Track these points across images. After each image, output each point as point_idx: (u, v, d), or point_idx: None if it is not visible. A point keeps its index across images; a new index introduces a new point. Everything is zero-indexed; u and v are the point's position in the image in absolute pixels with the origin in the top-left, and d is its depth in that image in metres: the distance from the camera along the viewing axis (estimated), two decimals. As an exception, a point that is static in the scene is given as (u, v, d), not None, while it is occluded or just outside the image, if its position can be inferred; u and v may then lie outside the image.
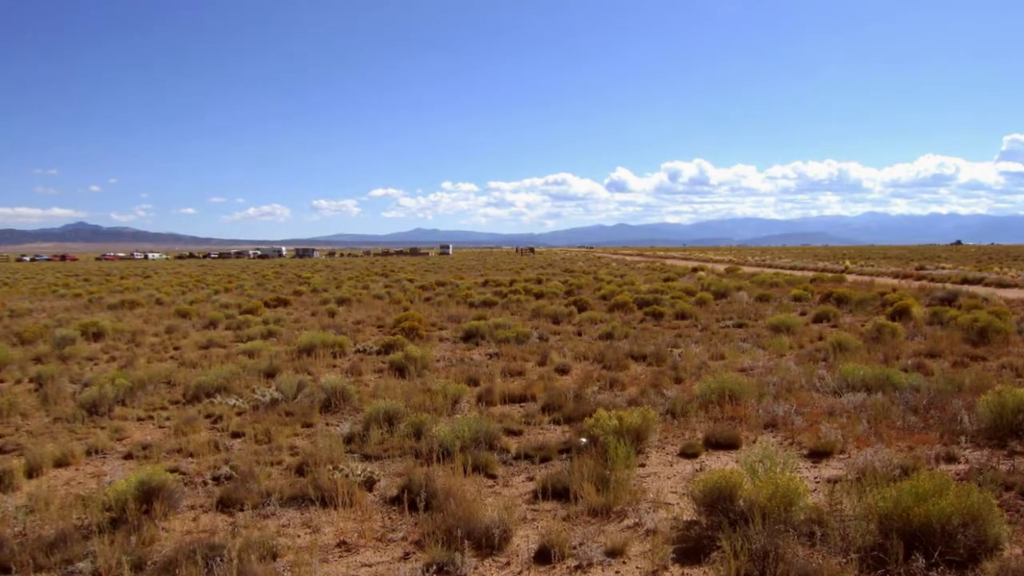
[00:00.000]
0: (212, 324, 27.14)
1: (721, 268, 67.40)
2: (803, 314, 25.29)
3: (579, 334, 22.73)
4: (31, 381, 16.54)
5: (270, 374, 16.24)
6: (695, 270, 64.57)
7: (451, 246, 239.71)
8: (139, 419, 12.98)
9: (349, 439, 11.03)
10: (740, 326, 23.49)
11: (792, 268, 66.99)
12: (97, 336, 23.40)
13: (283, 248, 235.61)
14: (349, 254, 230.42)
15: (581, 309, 29.08)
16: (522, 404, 13.54)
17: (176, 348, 21.41)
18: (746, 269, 64.69)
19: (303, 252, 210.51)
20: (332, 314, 30.14)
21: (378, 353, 19.41)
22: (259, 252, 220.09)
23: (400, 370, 16.47)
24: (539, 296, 36.24)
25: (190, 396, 14.33)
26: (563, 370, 16.50)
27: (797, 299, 31.84)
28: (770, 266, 73.65)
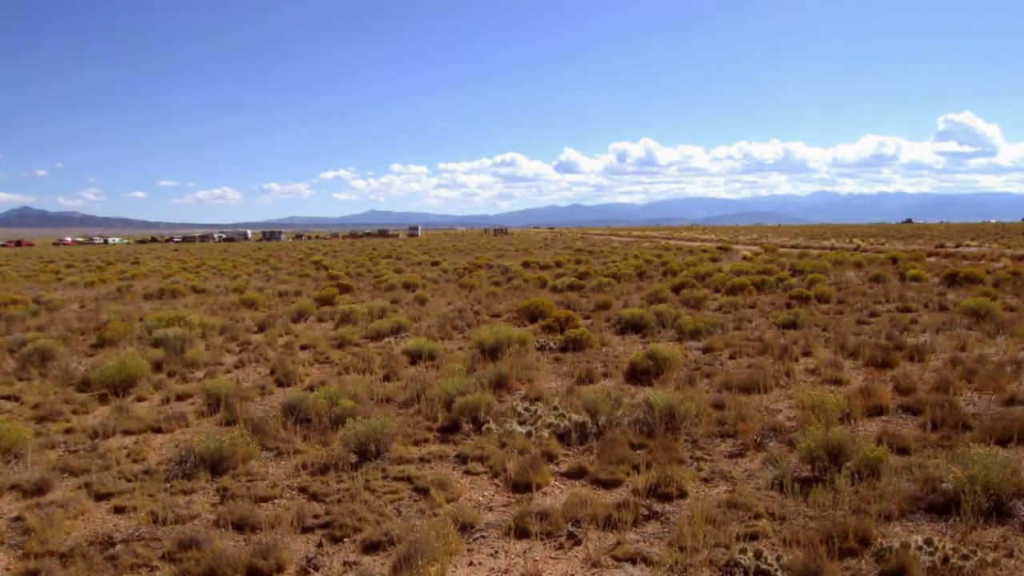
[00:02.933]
0: (301, 316, 24.99)
1: (745, 249, 67.62)
2: (993, 298, 22.87)
3: (748, 321, 20.81)
4: (177, 399, 14.15)
5: (499, 384, 13.82)
6: (723, 250, 64.58)
7: (420, 227, 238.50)
8: (423, 460, 10.31)
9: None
10: (905, 310, 22.11)
11: (806, 247, 66.98)
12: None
13: (248, 231, 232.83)
14: (317, 236, 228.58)
15: (677, 291, 27.52)
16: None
17: (304, 348, 19.07)
18: (748, 248, 64.53)
19: (270, 235, 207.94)
20: (422, 302, 28.21)
21: (562, 350, 17.36)
22: (224, 235, 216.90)
23: (642, 374, 14.45)
24: (616, 278, 34.33)
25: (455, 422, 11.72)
26: (837, 380, 13.83)
27: (916, 279, 30.60)
28: (779, 246, 73.57)
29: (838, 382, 13.63)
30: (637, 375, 14.51)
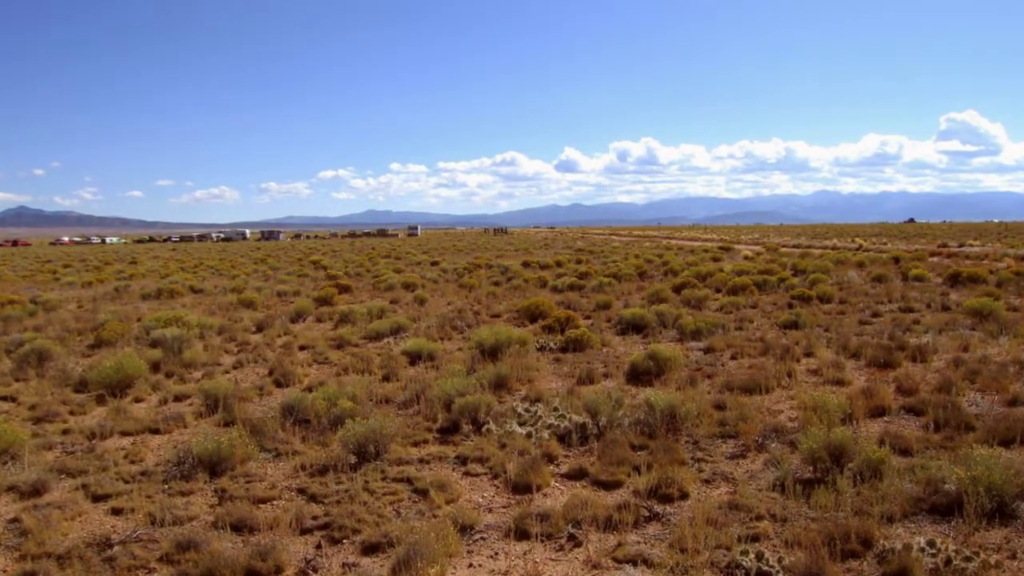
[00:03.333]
0: (299, 316, 24.93)
1: (746, 249, 67.64)
2: (996, 298, 22.48)
3: (749, 321, 20.75)
4: (175, 400, 14.08)
5: (499, 385, 13.79)
6: (724, 249, 64.57)
7: (419, 227, 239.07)
8: (422, 461, 10.26)
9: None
10: (907, 311, 22.03)
11: (808, 247, 66.91)
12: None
13: (247, 231, 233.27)
14: (315, 236, 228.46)
15: (678, 291, 27.45)
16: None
17: (303, 348, 18.96)
18: (748, 247, 64.53)
19: (269, 234, 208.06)
20: (421, 302, 28.12)
21: (563, 350, 17.32)
22: (222, 235, 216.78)
23: (643, 375, 14.36)
24: (617, 278, 34.25)
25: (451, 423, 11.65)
26: (839, 381, 13.73)
27: (919, 279, 30.58)
28: (781, 245, 73.45)
29: (840, 383, 13.56)
30: (638, 375, 14.44)
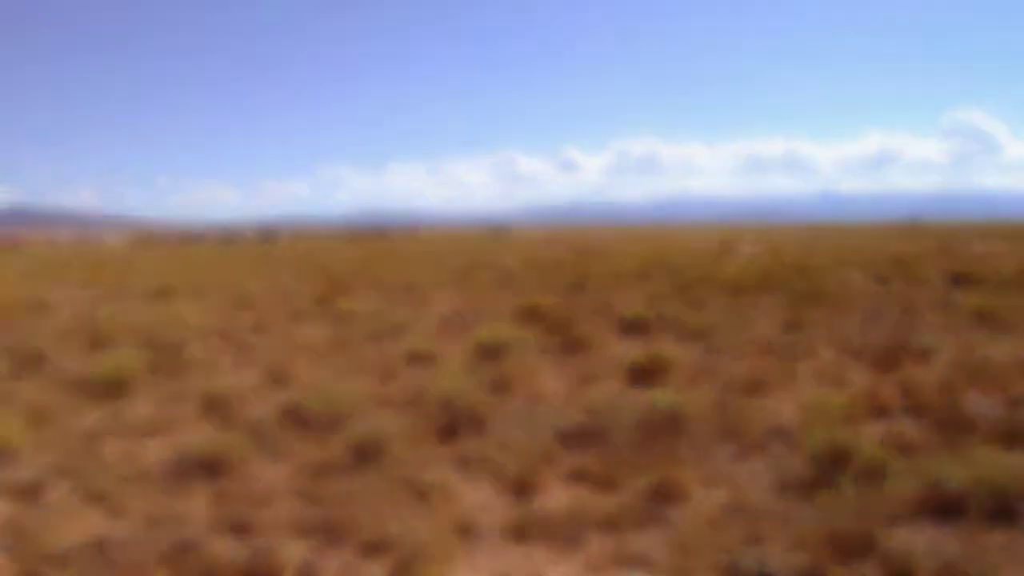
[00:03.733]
0: (299, 316, 24.66)
1: (748, 248, 67.56)
2: (1000, 297, 22.63)
3: (751, 321, 20.52)
4: (173, 400, 13.90)
5: (499, 385, 13.56)
6: (725, 249, 64.51)
7: (418, 227, 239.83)
8: (422, 462, 10.09)
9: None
10: (910, 310, 21.71)
11: (809, 246, 66.93)
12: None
13: (246, 230, 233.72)
14: (315, 235, 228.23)
15: (679, 291, 27.19)
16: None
17: (302, 349, 18.63)
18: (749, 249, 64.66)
19: (268, 234, 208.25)
20: (421, 302, 27.82)
21: (563, 351, 17.21)
22: (222, 234, 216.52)
23: (643, 375, 14.19)
24: (617, 278, 34.01)
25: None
26: (841, 381, 13.68)
27: (921, 279, 30.34)
28: (783, 245, 73.40)
29: (842, 383, 13.49)
30: (638, 376, 14.33)
